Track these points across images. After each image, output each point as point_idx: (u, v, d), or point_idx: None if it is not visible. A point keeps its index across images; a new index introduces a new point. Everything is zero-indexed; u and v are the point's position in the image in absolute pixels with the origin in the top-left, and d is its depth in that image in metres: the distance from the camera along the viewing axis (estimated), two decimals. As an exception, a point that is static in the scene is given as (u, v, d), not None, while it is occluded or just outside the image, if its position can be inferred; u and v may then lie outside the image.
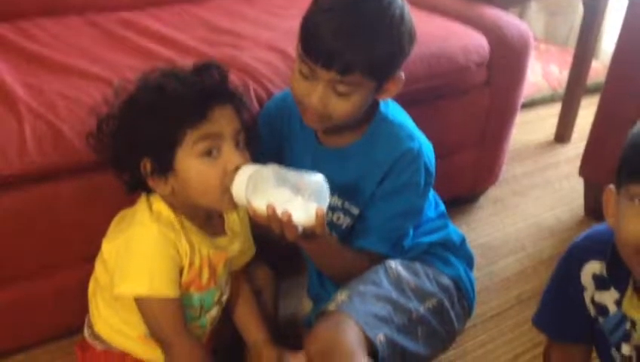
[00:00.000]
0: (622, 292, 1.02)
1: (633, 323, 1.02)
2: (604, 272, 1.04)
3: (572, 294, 1.09)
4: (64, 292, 1.36)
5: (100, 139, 1.12)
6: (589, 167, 2.03)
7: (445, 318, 1.29)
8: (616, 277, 1.02)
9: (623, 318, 1.03)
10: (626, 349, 1.05)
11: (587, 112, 2.32)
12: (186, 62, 1.22)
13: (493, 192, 2.16)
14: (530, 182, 2.27)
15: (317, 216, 1.07)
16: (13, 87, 1.32)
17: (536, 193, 2.21)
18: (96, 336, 1.22)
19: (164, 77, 1.09)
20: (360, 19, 1.13)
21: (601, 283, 1.05)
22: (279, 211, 1.06)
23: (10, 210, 1.24)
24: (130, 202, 1.17)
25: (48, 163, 1.23)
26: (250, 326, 1.29)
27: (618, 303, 1.03)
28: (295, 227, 1.08)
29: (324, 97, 1.16)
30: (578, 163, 2.08)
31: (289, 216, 1.06)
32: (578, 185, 2.17)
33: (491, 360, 1.51)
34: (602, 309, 1.06)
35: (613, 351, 1.09)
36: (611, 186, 0.99)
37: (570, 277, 1.08)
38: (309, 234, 1.12)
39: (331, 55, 1.12)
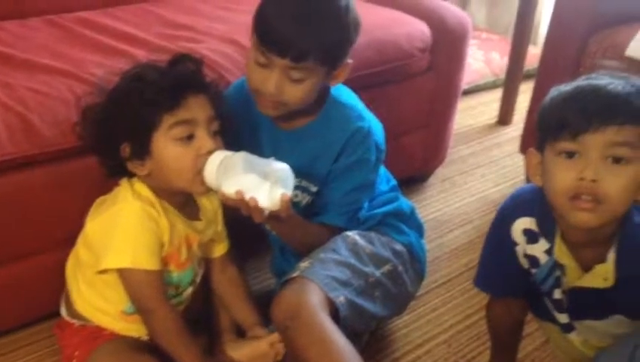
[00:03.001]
0: (551, 242, 1.13)
1: (563, 270, 1.14)
2: (534, 226, 1.14)
3: (506, 251, 1.19)
4: (42, 275, 1.41)
5: (85, 128, 1.20)
6: (528, 145, 2.16)
7: (399, 281, 1.39)
8: (545, 228, 1.13)
9: (554, 266, 1.14)
10: (557, 294, 1.17)
11: (527, 96, 2.45)
12: (147, 56, 1.30)
13: (441, 172, 2.28)
14: (476, 162, 2.41)
15: (282, 201, 1.17)
16: (-18, 84, 1.37)
17: (482, 171, 2.35)
18: (74, 314, 1.28)
19: (143, 68, 1.18)
20: (310, 9, 1.21)
21: (530, 236, 1.15)
22: (247, 197, 1.15)
23: (-13, 197, 1.29)
24: (101, 187, 1.24)
25: (21, 152, 1.28)
26: (243, 310, 1.38)
27: (548, 252, 1.13)
28: (261, 211, 1.17)
29: (280, 84, 1.24)
30: (519, 142, 2.22)
31: (256, 202, 1.15)
32: (520, 162, 2.31)
33: (443, 322, 1.62)
34: (534, 261, 1.17)
35: (546, 299, 1.20)
36: (532, 149, 1.11)
37: (503, 236, 1.18)
38: (274, 216, 1.21)
39: (286, 43, 1.20)
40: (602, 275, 1.09)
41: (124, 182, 1.21)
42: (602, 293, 1.10)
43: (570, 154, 1.01)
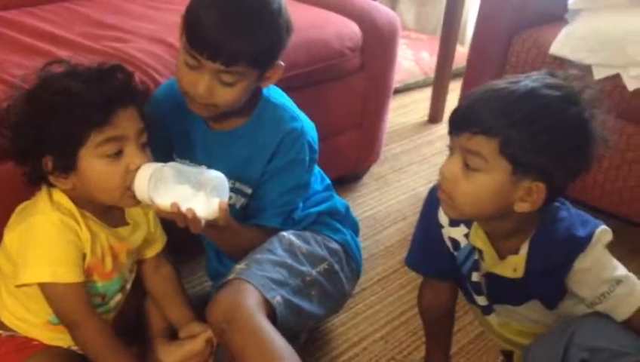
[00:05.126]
0: (469, 226, 1.16)
1: (481, 255, 1.17)
2: None
3: (433, 232, 1.22)
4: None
5: (2, 133, 1.13)
6: (458, 142, 2.22)
7: (336, 280, 1.39)
8: None
9: (472, 250, 1.18)
10: (475, 276, 1.20)
11: (457, 94, 2.52)
12: (71, 56, 1.24)
13: (375, 170, 2.30)
14: (408, 159, 2.44)
15: (220, 209, 1.15)
16: None
17: (414, 168, 2.38)
18: (0, 325, 1.22)
19: (68, 78, 1.11)
20: (241, 13, 1.20)
21: (453, 220, 1.18)
22: (183, 208, 1.13)
23: None
24: (29, 194, 1.19)
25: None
26: (178, 308, 1.33)
27: (467, 236, 1.17)
28: (199, 221, 1.15)
29: (211, 87, 1.22)
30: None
31: (193, 212, 1.13)
32: (451, 159, 2.36)
33: (380, 319, 1.64)
34: (455, 243, 1.20)
35: (466, 282, 1.24)
36: None
37: (431, 218, 1.21)
38: (211, 225, 1.19)
39: (216, 47, 1.18)
40: (512, 266, 1.13)
41: (43, 190, 1.16)
42: (516, 281, 1.14)
43: (450, 150, 1.08)
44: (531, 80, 1.03)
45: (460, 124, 1.04)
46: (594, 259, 1.09)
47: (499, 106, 1.00)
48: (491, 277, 1.18)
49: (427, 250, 1.27)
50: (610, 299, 1.10)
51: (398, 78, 2.70)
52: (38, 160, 1.11)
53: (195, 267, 1.73)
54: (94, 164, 1.10)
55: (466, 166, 1.03)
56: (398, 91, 2.89)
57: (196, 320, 1.33)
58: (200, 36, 1.19)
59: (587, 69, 1.83)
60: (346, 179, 2.19)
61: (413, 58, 3.17)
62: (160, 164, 1.14)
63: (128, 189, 1.13)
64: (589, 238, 1.08)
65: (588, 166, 1.05)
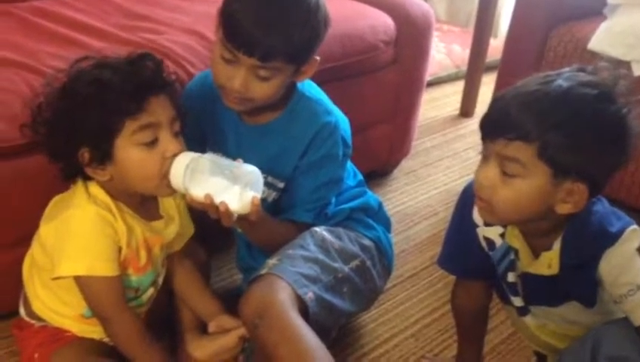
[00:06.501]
0: (504, 226, 1.14)
1: (517, 254, 1.15)
2: None
3: (467, 232, 1.20)
4: (-2, 275, 1.36)
5: (36, 129, 1.14)
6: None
7: (368, 276, 1.38)
8: None
9: (508, 249, 1.16)
10: (511, 277, 1.18)
11: (489, 88, 2.48)
12: (107, 48, 1.24)
13: (406, 164, 2.28)
14: (439, 154, 2.42)
15: (252, 204, 1.14)
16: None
17: (446, 163, 2.36)
18: (33, 315, 1.24)
19: (99, 68, 1.11)
20: (279, 8, 1.18)
21: None
22: (217, 201, 1.12)
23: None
24: (62, 186, 1.19)
25: (-25, 147, 1.23)
26: (205, 301, 1.33)
27: (503, 235, 1.15)
28: (231, 214, 1.14)
29: (246, 81, 1.21)
30: (482, 134, 2.24)
31: (226, 206, 1.12)
32: (483, 154, 2.33)
33: (410, 316, 1.62)
34: (490, 243, 1.18)
35: (502, 282, 1.22)
36: None
37: (465, 217, 1.19)
38: (243, 219, 1.18)
39: (253, 43, 1.17)
40: (547, 262, 1.11)
41: (79, 183, 1.16)
42: (552, 280, 1.12)
43: (484, 155, 1.05)
44: (564, 79, 1.00)
45: (494, 130, 1.01)
46: (620, 256, 1.06)
47: (535, 110, 0.98)
48: (527, 277, 1.16)
49: (461, 251, 1.25)
50: (628, 302, 1.07)
51: (430, 70, 2.67)
52: (74, 154, 1.11)
53: (225, 259, 1.73)
54: (131, 153, 1.10)
55: (504, 172, 1.01)
56: (429, 84, 2.85)
57: (224, 312, 1.33)
58: (237, 31, 1.18)
59: (626, 65, 1.79)
60: (376, 173, 2.17)
61: (444, 51, 3.14)
62: (197, 155, 1.14)
63: (164, 178, 1.13)
64: (619, 234, 1.06)
65: (627, 160, 1.02)
